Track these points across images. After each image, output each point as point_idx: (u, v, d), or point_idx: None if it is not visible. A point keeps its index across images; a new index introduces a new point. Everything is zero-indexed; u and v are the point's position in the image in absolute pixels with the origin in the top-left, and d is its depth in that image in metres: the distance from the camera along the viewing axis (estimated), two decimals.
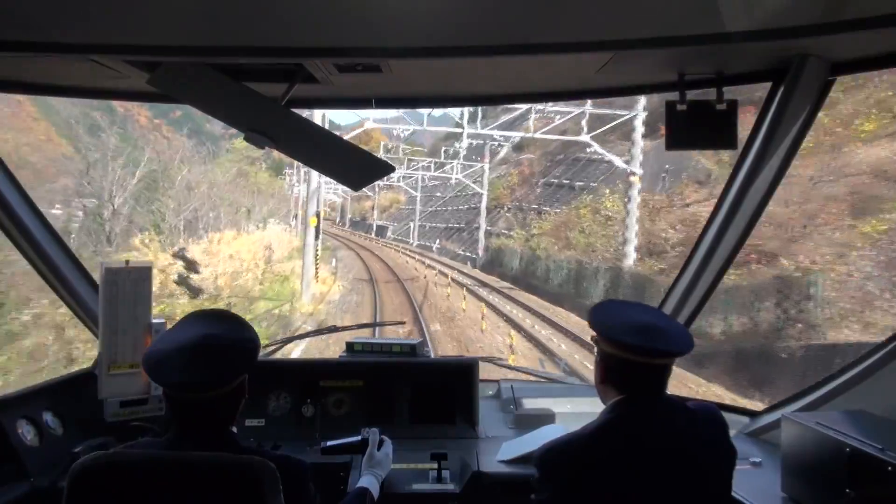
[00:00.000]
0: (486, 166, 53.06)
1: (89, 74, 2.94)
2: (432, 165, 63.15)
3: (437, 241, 66.33)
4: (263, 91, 2.67)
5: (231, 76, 2.60)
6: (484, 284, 37.22)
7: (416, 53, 2.37)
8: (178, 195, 41.41)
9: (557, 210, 43.50)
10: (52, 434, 3.25)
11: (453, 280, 36.52)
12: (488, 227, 51.27)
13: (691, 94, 2.91)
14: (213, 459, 2.05)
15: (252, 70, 2.75)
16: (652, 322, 2.36)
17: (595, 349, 2.51)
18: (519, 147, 58.85)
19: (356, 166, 3.08)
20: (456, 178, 58.04)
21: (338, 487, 3.18)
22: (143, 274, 3.41)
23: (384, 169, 3.09)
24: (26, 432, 3.12)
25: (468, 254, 54.25)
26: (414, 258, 53.11)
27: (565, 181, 46.52)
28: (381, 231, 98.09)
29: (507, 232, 48.97)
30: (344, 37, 2.24)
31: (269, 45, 2.29)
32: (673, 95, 2.93)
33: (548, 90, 3.38)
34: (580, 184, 43.35)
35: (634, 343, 2.30)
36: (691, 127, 2.88)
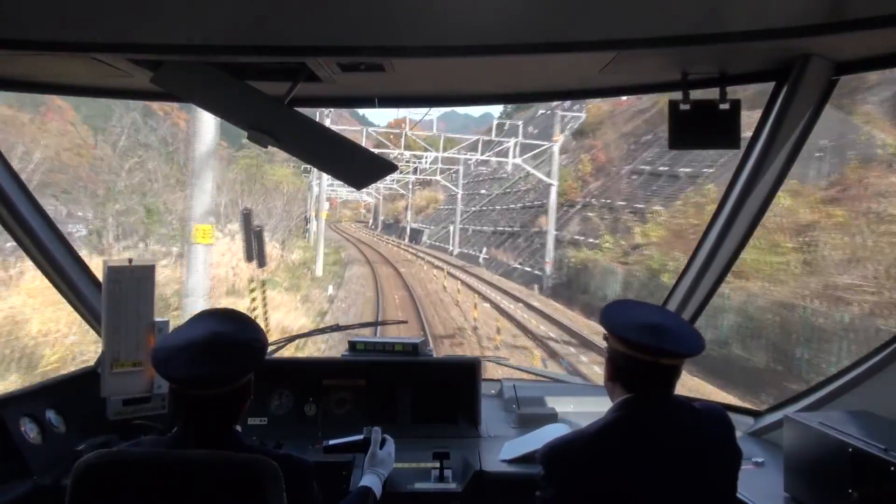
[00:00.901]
0: (557, 146, 39.23)
1: (93, 73, 2.95)
2: (479, 146, 45.11)
3: (484, 249, 51.41)
4: (266, 90, 2.68)
5: (234, 75, 2.61)
6: (583, 342, 20.83)
7: (419, 53, 2.38)
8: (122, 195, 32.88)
9: (659, 207, 30.45)
10: (54, 432, 3.26)
11: (533, 339, 21.58)
12: (556, 232, 36.87)
13: (694, 94, 2.91)
14: (217, 458, 2.05)
15: (255, 69, 2.76)
16: (662, 322, 2.36)
17: (605, 346, 2.51)
18: (581, 132, 47.92)
19: (359, 165, 3.08)
20: (513, 163, 40.88)
21: (340, 486, 3.18)
22: (145, 273, 3.41)
23: (387, 168, 3.09)
24: (29, 430, 3.13)
25: (529, 269, 39.75)
26: (457, 279, 36.05)
27: (662, 168, 34.62)
28: (415, 235, 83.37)
29: (583, 238, 35.54)
30: (347, 36, 2.24)
31: (273, 43, 2.29)
32: (676, 95, 2.93)
33: (550, 90, 3.38)
34: (687, 170, 31.70)
35: (642, 341, 2.30)
36: (694, 126, 2.88)
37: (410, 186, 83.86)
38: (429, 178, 66.30)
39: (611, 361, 2.48)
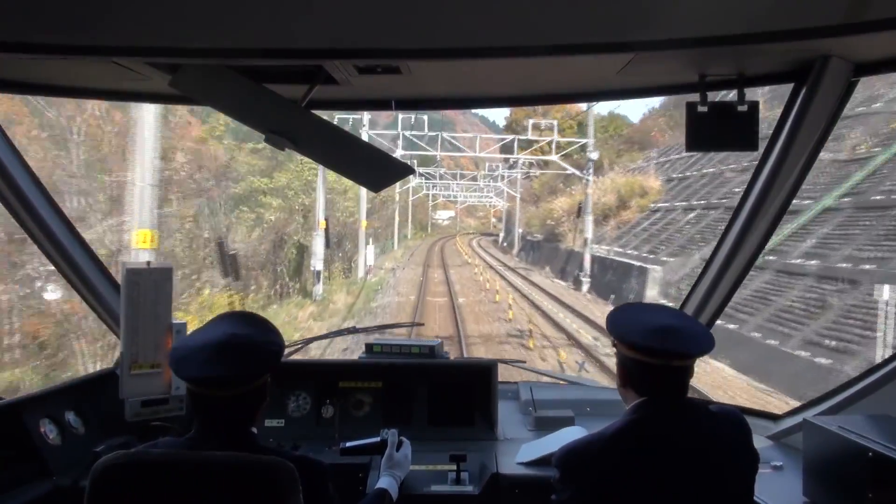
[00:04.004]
0: None
1: (111, 76, 2.97)
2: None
3: None
4: (283, 93, 2.69)
5: (251, 78, 2.62)
6: None
7: (436, 55, 2.38)
8: None
9: None
10: (74, 433, 3.29)
11: None
12: None
13: (712, 96, 2.90)
14: (233, 459, 2.06)
15: (272, 72, 2.77)
16: (669, 323, 2.35)
17: (615, 353, 2.50)
18: None
19: (375, 168, 3.09)
20: None
21: (356, 488, 3.19)
22: (164, 275, 3.43)
23: (404, 170, 3.09)
24: (49, 431, 3.16)
25: None
26: None
27: None
28: (608, 284, 34.90)
29: None
30: (364, 38, 2.25)
31: (289, 46, 2.30)
32: (693, 97, 2.92)
33: (568, 91, 3.37)
34: None
35: (652, 346, 2.30)
36: (712, 128, 2.86)
37: (587, 165, 39.08)
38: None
39: (622, 367, 2.47)
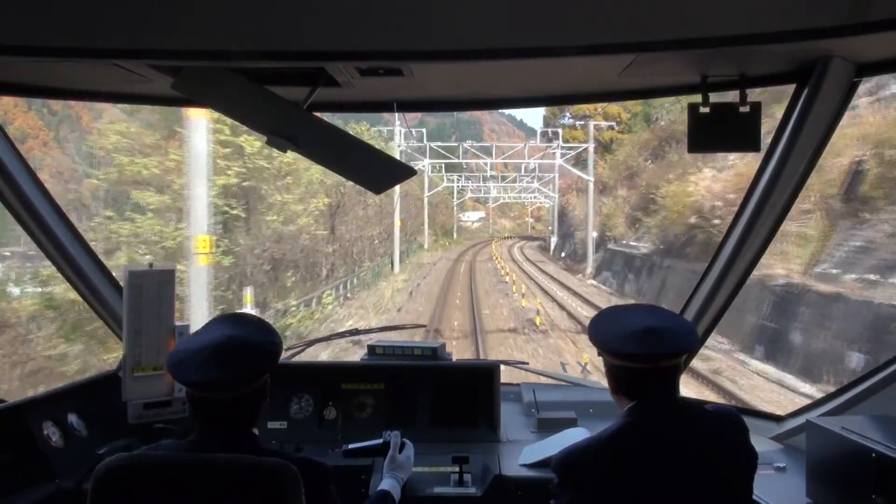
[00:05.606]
0: None
1: (114, 79, 2.97)
2: None
3: None
4: (285, 95, 2.69)
5: (253, 80, 2.63)
6: None
7: (438, 57, 2.38)
8: None
9: None
10: (77, 435, 3.28)
11: None
12: None
13: (714, 97, 2.90)
14: (235, 461, 2.06)
15: (274, 74, 2.77)
16: (649, 324, 2.33)
17: (602, 361, 2.50)
18: None
19: (377, 169, 3.09)
20: None
21: (359, 490, 3.19)
22: (166, 277, 3.43)
23: (405, 172, 3.09)
24: (52, 434, 3.16)
25: None
26: None
27: None
28: None
29: None
30: (365, 40, 2.25)
31: (291, 48, 2.30)
32: (695, 98, 2.92)
33: (570, 93, 3.37)
34: None
35: (637, 351, 2.29)
36: (714, 129, 2.86)
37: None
38: None
39: (610, 374, 2.47)
